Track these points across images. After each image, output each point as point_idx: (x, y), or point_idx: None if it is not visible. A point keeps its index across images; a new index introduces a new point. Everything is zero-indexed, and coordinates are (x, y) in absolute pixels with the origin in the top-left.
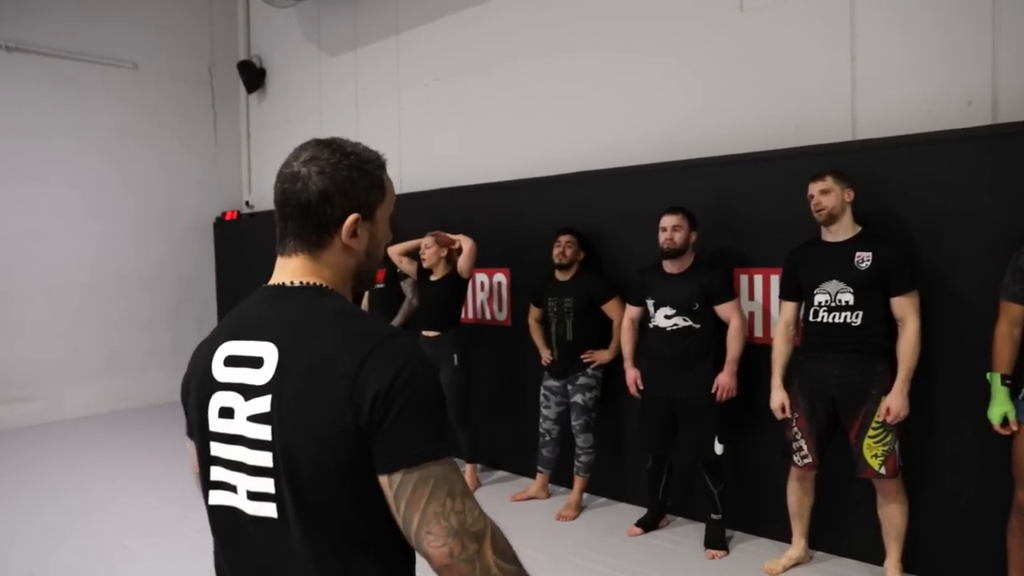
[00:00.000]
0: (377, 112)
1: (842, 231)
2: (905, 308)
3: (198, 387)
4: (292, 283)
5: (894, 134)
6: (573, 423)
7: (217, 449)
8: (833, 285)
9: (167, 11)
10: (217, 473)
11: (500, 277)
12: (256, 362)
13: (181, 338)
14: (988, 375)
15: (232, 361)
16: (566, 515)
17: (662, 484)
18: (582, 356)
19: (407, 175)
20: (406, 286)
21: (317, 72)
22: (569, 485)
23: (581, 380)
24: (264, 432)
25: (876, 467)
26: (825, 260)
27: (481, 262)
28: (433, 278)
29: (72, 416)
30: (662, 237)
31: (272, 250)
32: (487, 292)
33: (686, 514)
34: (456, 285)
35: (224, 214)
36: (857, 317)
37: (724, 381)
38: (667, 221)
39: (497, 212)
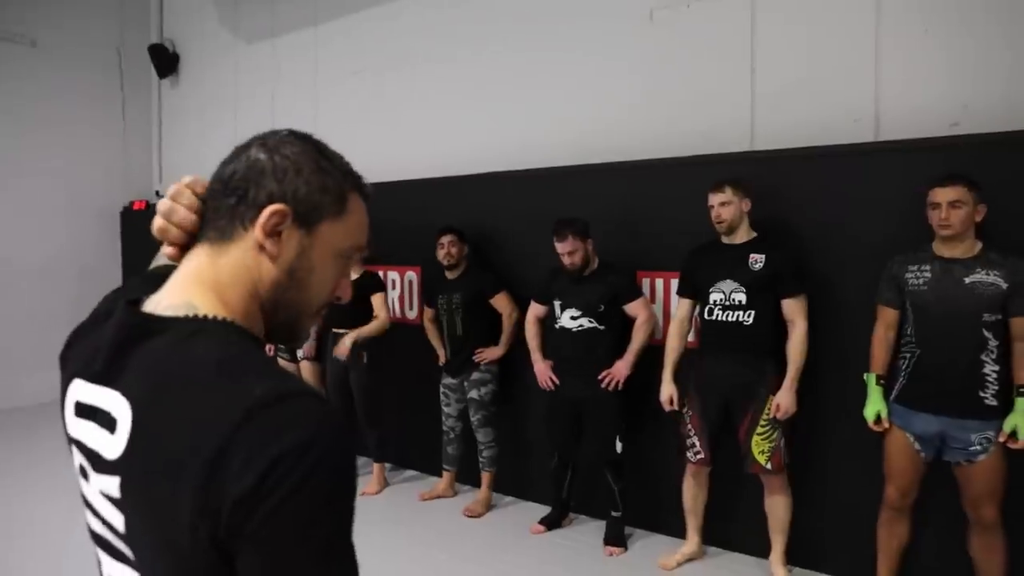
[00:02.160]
0: (294, 104)
1: (739, 237)
2: (794, 310)
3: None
4: (164, 312)
5: (789, 146)
6: (472, 418)
7: (86, 511)
8: (728, 284)
9: None
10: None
11: (412, 275)
12: (109, 422)
13: None
14: (865, 376)
15: (82, 411)
16: (474, 510)
17: (566, 482)
18: (474, 355)
19: None
20: None
21: (233, 60)
22: (474, 483)
23: (475, 376)
24: (117, 520)
25: (763, 463)
26: (721, 260)
27: (394, 260)
28: None
29: None
30: (565, 260)
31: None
32: (399, 290)
33: (589, 512)
34: (365, 289)
35: (132, 203)
36: (749, 316)
37: (617, 367)
38: (561, 248)
39: (410, 209)
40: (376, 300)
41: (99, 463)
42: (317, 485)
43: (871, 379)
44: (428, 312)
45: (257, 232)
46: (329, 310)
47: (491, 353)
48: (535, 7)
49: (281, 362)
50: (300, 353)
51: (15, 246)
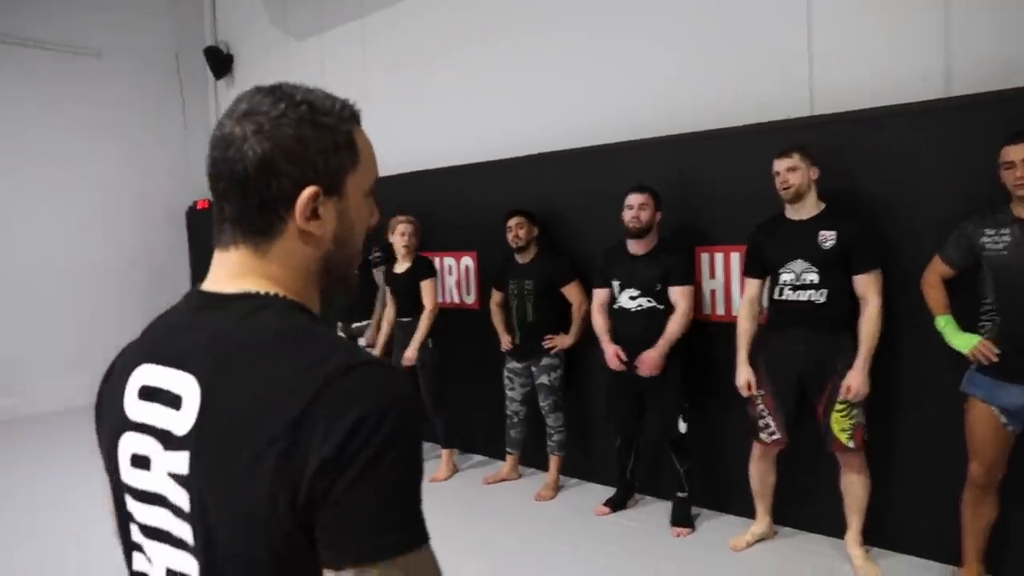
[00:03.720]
0: (343, 96)
1: (806, 209)
2: (867, 286)
3: (109, 421)
4: (225, 291)
5: (852, 108)
6: (541, 404)
7: (133, 506)
8: (799, 264)
9: None
10: (136, 535)
11: (467, 261)
12: (174, 401)
13: None
14: (941, 320)
15: (147, 394)
16: (544, 495)
17: (630, 463)
18: (543, 341)
19: (377, 159)
20: (378, 273)
21: (284, 57)
22: (538, 466)
23: (545, 361)
24: (183, 499)
25: (844, 440)
26: (790, 239)
27: (448, 246)
28: (398, 270)
29: (46, 410)
30: (628, 215)
31: None
32: (455, 276)
33: (654, 493)
34: (418, 277)
35: (196, 203)
36: (822, 295)
37: (647, 355)
38: (633, 199)
39: (463, 195)
40: (425, 287)
41: (169, 440)
42: (397, 450)
43: (948, 320)
44: (496, 296)
45: (299, 222)
46: (390, 301)
47: (562, 342)
48: None
49: None
50: (363, 341)
51: (92, 249)
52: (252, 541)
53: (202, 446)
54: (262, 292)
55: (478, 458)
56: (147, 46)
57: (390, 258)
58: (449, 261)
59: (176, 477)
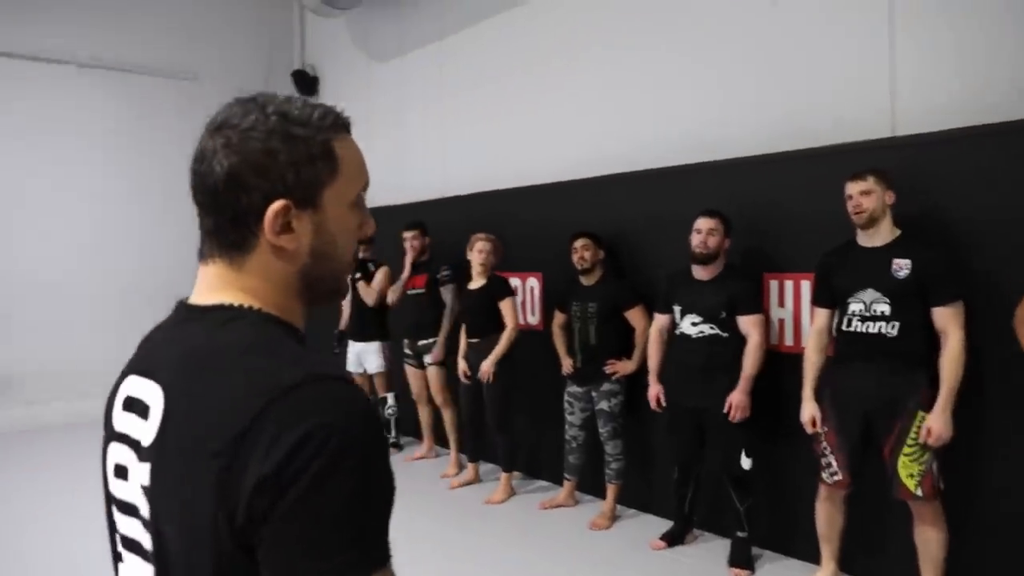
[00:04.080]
0: (422, 116)
1: (880, 235)
2: (947, 320)
3: (105, 431)
4: (203, 303)
5: (937, 129)
6: (601, 430)
7: (116, 517)
8: (868, 294)
9: (225, 23)
10: (119, 546)
11: (533, 281)
12: (144, 411)
13: None
14: None
15: (128, 404)
16: (600, 524)
17: (688, 497)
18: (605, 366)
19: (451, 179)
20: (446, 291)
21: (366, 78)
22: (596, 493)
23: (606, 386)
24: (147, 510)
25: (912, 488)
26: (860, 267)
27: (514, 266)
28: (472, 287)
29: None
30: (696, 240)
31: None
32: (520, 296)
33: (715, 529)
34: (493, 296)
35: None
36: (893, 328)
37: (737, 399)
38: (703, 224)
39: (530, 216)
40: (504, 306)
41: (140, 450)
42: (347, 468)
43: None
44: (559, 318)
45: (269, 237)
46: (460, 318)
47: (624, 367)
48: (652, 3)
49: (408, 368)
50: (427, 359)
51: (181, 260)
52: (198, 558)
53: (161, 458)
54: (236, 304)
55: (540, 483)
56: (239, 69)
57: (461, 275)
58: (515, 282)
59: (143, 488)
